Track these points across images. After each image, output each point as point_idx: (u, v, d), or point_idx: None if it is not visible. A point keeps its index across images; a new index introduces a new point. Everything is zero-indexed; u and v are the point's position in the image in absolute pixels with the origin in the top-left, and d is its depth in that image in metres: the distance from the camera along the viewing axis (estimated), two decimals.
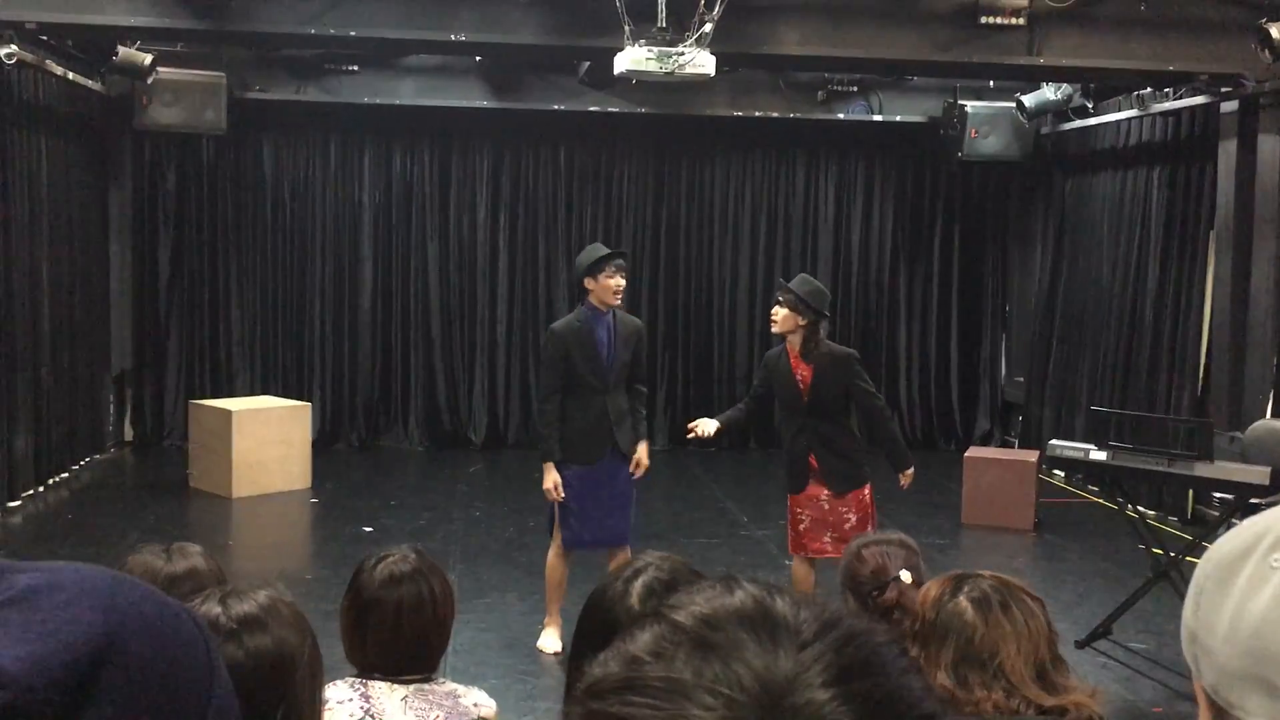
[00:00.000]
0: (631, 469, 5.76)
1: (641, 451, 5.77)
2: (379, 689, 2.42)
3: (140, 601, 0.64)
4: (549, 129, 11.00)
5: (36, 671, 0.57)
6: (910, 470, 5.68)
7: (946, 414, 11.72)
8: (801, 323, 5.44)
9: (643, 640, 0.62)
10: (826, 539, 5.52)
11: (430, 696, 2.43)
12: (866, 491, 5.61)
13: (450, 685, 2.50)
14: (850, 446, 5.61)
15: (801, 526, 5.62)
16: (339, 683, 2.43)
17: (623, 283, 5.57)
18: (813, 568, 5.65)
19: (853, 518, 5.58)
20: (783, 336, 5.55)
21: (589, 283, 5.55)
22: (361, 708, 2.39)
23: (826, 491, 5.55)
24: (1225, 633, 0.85)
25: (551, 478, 5.61)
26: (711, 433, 5.65)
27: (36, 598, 0.61)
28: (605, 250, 5.62)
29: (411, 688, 2.43)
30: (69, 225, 9.52)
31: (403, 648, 2.46)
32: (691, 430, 5.73)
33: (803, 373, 5.52)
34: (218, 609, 1.80)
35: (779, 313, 5.46)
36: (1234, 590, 0.85)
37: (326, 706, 2.31)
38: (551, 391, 5.66)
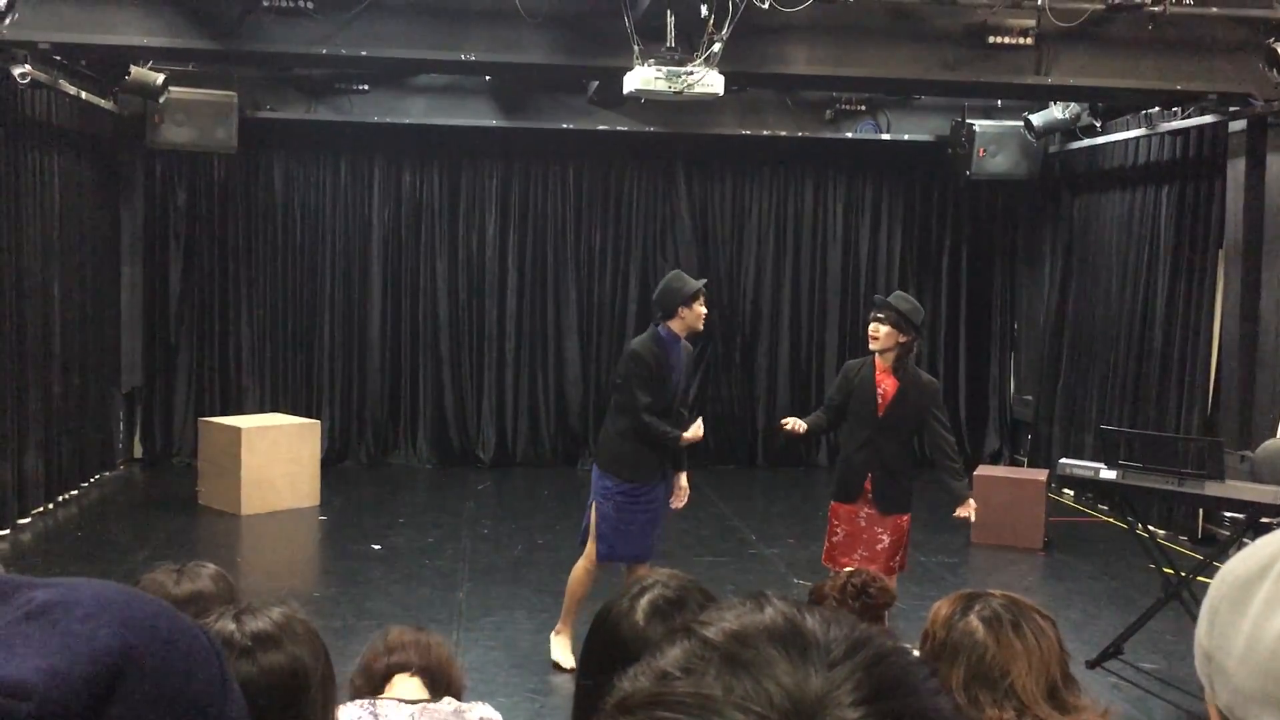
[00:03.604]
0: (678, 501, 5.88)
1: (684, 481, 5.90)
2: (388, 707, 2.45)
3: (155, 617, 0.65)
4: (558, 148, 11.04)
5: (57, 684, 0.58)
6: (970, 503, 5.70)
7: (955, 432, 11.66)
8: (901, 339, 5.50)
9: (673, 655, 0.62)
10: (856, 556, 5.51)
11: (436, 715, 2.46)
12: (905, 520, 5.62)
13: (455, 704, 2.53)
14: (905, 472, 5.64)
15: (835, 539, 5.64)
16: (349, 703, 2.44)
17: (705, 310, 5.76)
18: None
19: (886, 539, 5.59)
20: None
21: (684, 310, 5.62)
22: None
23: (868, 510, 5.56)
24: (1241, 653, 0.85)
25: (695, 429, 5.67)
26: (802, 430, 5.64)
27: (55, 612, 0.62)
28: (696, 283, 5.72)
29: (418, 706, 2.46)
30: (80, 243, 9.56)
31: None
32: (782, 427, 5.72)
33: (885, 387, 5.54)
34: (232, 626, 1.81)
35: (880, 330, 5.49)
36: (1250, 611, 0.85)
37: None
38: (650, 407, 5.60)
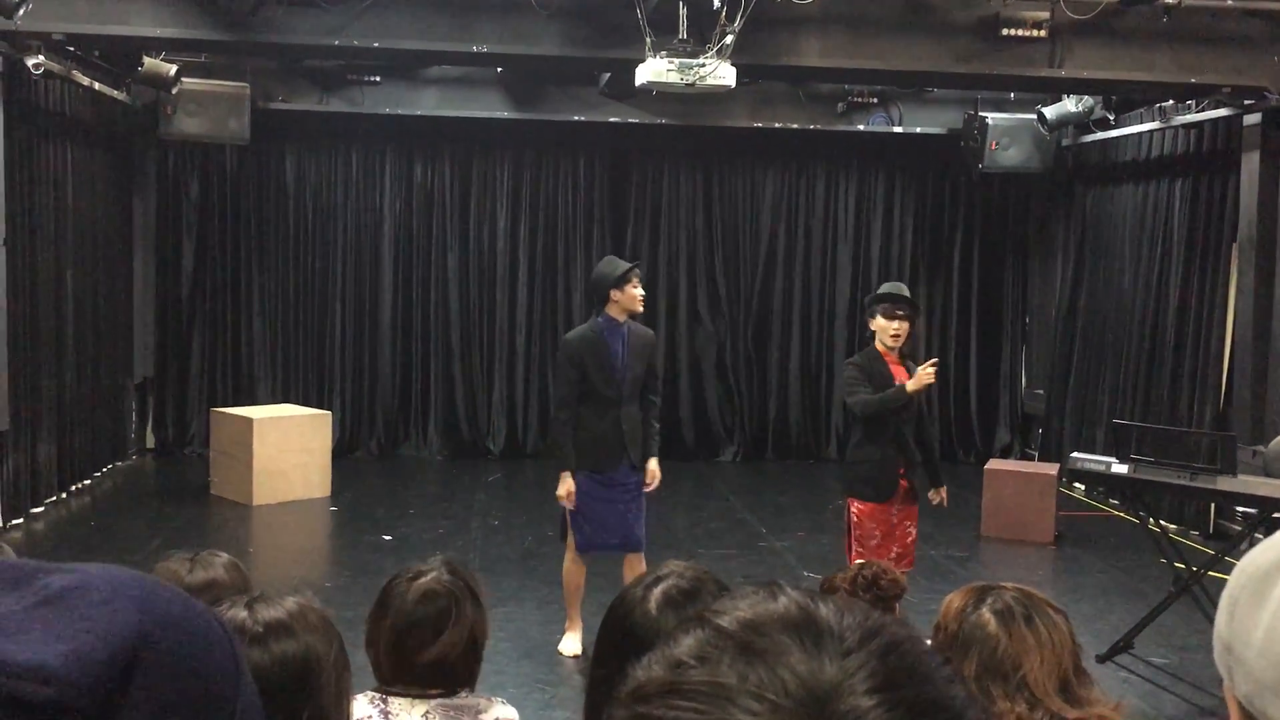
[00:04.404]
0: (647, 486, 5.83)
1: (653, 466, 5.83)
2: (399, 704, 2.39)
3: (169, 601, 0.65)
4: (569, 140, 11.03)
5: (79, 667, 0.58)
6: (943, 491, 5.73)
7: (966, 426, 11.69)
8: (911, 331, 5.53)
9: (687, 644, 0.62)
10: (891, 554, 5.48)
11: (452, 712, 2.39)
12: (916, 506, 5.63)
13: (473, 700, 2.45)
14: (917, 456, 5.61)
15: (873, 542, 5.46)
16: (359, 697, 2.40)
17: (644, 292, 5.72)
18: None
19: (913, 531, 5.59)
20: (870, 341, 5.60)
21: (615, 294, 5.62)
22: None
23: (899, 506, 5.52)
24: (1260, 644, 0.85)
25: (566, 485, 5.69)
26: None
27: (72, 596, 0.62)
28: (627, 264, 5.73)
29: (433, 703, 2.39)
30: (93, 234, 9.60)
31: (434, 665, 2.41)
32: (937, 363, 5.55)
33: (900, 377, 5.53)
34: (244, 614, 1.81)
35: (904, 327, 5.48)
36: (1270, 602, 0.85)
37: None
38: (566, 401, 5.73)
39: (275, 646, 1.77)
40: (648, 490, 5.86)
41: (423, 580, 2.48)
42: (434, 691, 2.42)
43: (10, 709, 0.57)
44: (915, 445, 5.62)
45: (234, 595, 2.34)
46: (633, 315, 5.73)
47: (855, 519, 5.53)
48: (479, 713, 2.42)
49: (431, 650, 2.41)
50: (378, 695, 2.42)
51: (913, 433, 5.60)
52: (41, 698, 0.57)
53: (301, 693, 1.77)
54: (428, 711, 2.38)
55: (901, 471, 5.51)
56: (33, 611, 0.61)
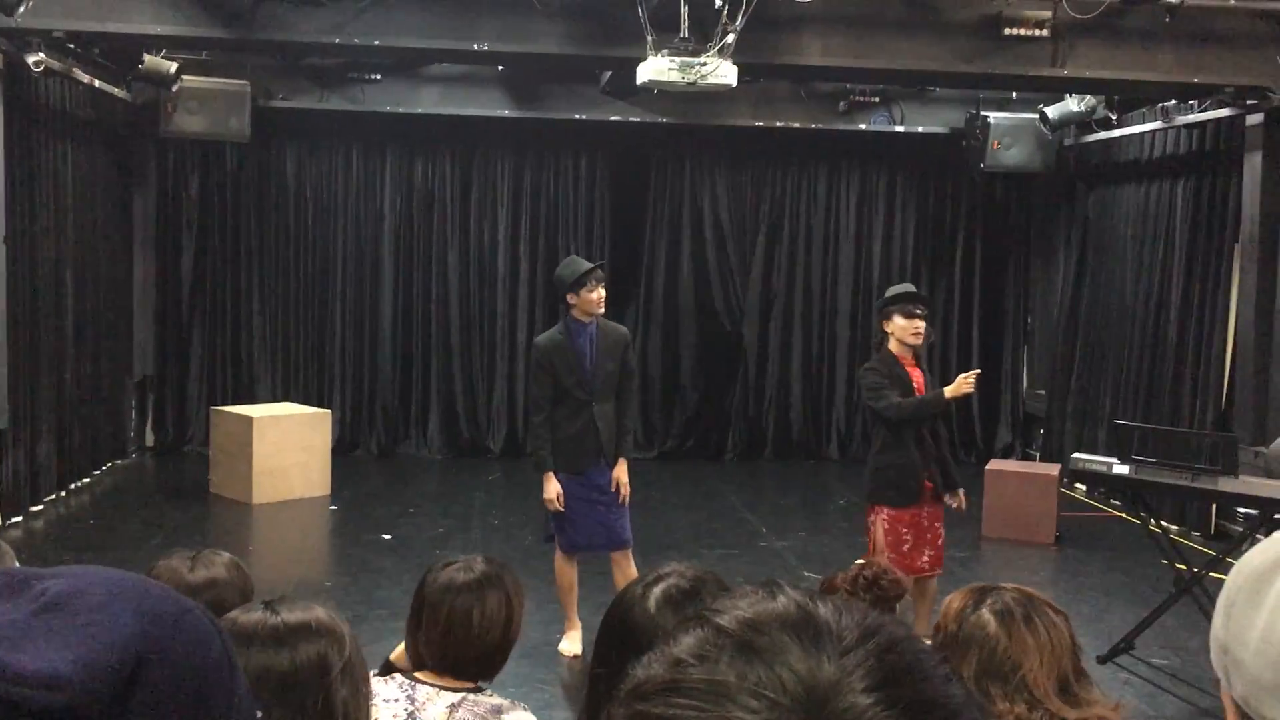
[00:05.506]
0: (612, 489, 5.79)
1: (620, 473, 5.78)
2: (425, 693, 2.42)
3: (163, 601, 0.66)
4: (570, 138, 11.04)
5: (89, 673, 0.60)
6: (960, 494, 5.69)
7: (967, 427, 11.68)
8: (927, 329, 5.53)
9: (686, 643, 0.62)
10: (925, 557, 5.46)
11: (475, 709, 2.42)
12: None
13: (496, 700, 2.48)
14: (937, 455, 5.58)
15: (906, 547, 5.41)
16: (389, 682, 2.44)
17: (604, 293, 5.70)
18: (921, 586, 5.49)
19: (941, 530, 5.55)
20: (880, 344, 5.58)
21: (571, 297, 5.65)
22: (406, 710, 2.40)
23: (929, 507, 5.50)
24: (1257, 645, 0.84)
25: (552, 488, 5.69)
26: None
27: (72, 602, 0.63)
28: (586, 265, 5.69)
29: (459, 696, 2.43)
30: (93, 231, 9.60)
31: (454, 652, 2.46)
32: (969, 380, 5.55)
33: (917, 380, 5.53)
34: (264, 615, 1.82)
35: (922, 325, 5.48)
36: (1266, 603, 0.85)
37: (372, 702, 2.33)
38: (539, 406, 5.75)
39: (293, 649, 1.78)
40: (620, 498, 5.81)
41: (454, 568, 2.52)
42: (461, 683, 2.45)
43: (23, 717, 0.58)
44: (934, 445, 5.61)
45: (235, 594, 2.36)
46: (595, 317, 5.70)
47: (887, 525, 5.44)
48: (500, 713, 2.44)
49: (447, 637, 2.44)
50: (406, 681, 2.46)
51: (931, 435, 5.59)
52: (55, 705, 0.58)
53: (316, 695, 1.77)
54: (453, 704, 2.40)
55: (926, 473, 5.49)
56: (36, 619, 0.62)
